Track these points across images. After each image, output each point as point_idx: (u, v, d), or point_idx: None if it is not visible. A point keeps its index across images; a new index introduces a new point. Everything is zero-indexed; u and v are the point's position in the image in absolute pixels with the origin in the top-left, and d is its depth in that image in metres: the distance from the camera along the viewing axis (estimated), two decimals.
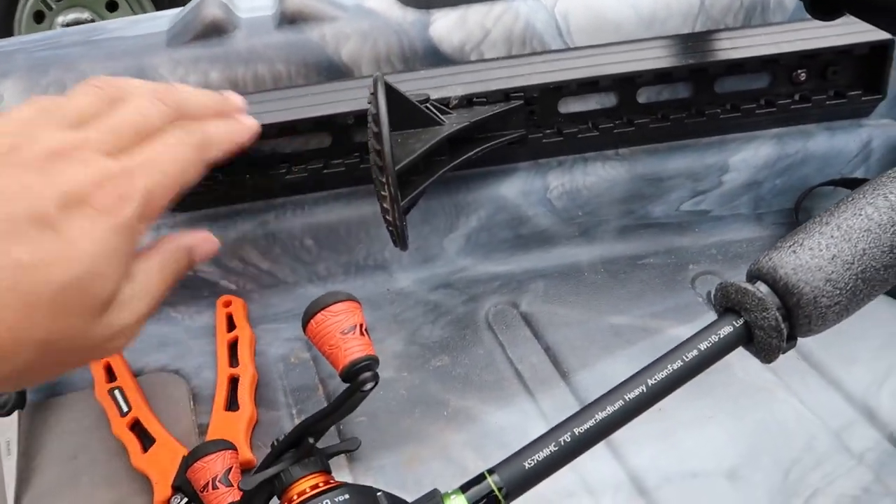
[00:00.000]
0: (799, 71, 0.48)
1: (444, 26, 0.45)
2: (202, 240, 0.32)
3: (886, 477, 0.36)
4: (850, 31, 0.46)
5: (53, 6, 1.98)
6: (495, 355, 0.44)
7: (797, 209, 0.50)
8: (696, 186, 0.50)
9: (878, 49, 0.47)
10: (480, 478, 0.27)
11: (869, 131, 0.50)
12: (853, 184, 0.49)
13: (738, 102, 0.48)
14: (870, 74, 0.48)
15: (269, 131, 0.44)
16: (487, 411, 0.41)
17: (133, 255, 0.27)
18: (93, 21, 2.10)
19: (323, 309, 0.30)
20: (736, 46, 0.46)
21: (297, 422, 0.41)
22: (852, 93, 0.48)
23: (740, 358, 0.43)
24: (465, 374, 0.43)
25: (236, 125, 0.33)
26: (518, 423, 0.40)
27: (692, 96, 0.48)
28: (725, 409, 0.40)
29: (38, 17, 1.94)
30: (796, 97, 0.48)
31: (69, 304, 0.24)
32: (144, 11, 2.15)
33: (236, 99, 0.34)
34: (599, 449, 0.38)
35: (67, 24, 2.02)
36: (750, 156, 0.50)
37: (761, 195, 0.51)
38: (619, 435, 0.38)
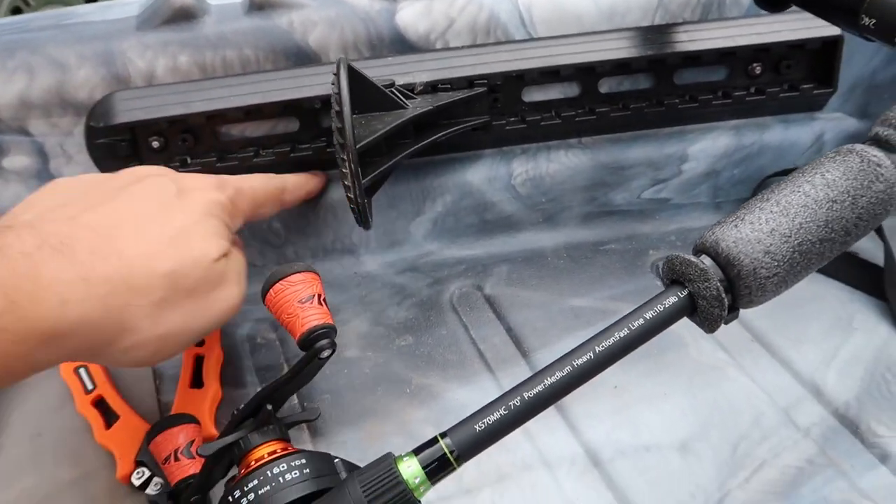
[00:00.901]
0: (754, 64, 0.49)
1: (410, 15, 0.46)
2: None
3: (830, 450, 0.38)
4: (803, 26, 0.48)
5: (32, 2, 1.96)
6: (458, 336, 0.45)
7: None
8: (657, 175, 0.51)
9: (830, 44, 0.49)
10: (433, 441, 0.28)
11: (822, 124, 0.52)
12: None
13: (696, 94, 0.49)
14: (822, 68, 0.50)
15: (237, 114, 0.45)
16: (449, 388, 0.42)
17: (231, 234, 0.37)
18: None
19: (282, 279, 0.31)
20: (693, 39, 0.47)
21: None
22: (805, 86, 0.50)
23: (695, 338, 0.45)
24: (429, 353, 0.44)
25: (310, 179, 0.46)
26: (479, 399, 0.40)
27: (652, 87, 0.49)
28: (679, 386, 0.42)
29: (16, 13, 1.92)
30: (752, 90, 0.50)
31: (185, 242, 0.33)
32: None
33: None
34: (556, 424, 0.40)
35: None
36: (708, 146, 0.51)
37: (719, 184, 0.52)
38: (576, 410, 0.40)
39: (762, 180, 0.52)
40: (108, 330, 0.30)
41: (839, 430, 0.39)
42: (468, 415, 0.29)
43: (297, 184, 0.44)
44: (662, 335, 0.30)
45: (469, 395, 0.41)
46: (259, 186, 0.41)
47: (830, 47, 0.49)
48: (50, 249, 0.28)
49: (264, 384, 0.43)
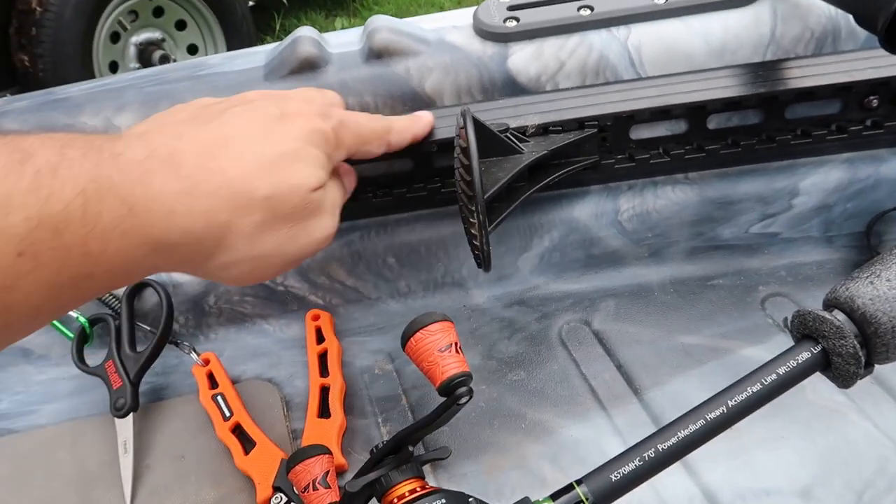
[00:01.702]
0: (871, 97, 0.48)
1: (522, 59, 0.47)
2: (347, 174, 0.43)
3: None
4: None
5: (128, 27, 2.10)
6: (569, 371, 0.46)
7: (868, 233, 0.51)
8: (766, 210, 0.51)
9: None
10: (569, 488, 0.29)
11: None
12: None
13: (808, 128, 0.49)
14: None
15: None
16: (563, 425, 0.43)
17: (331, 164, 0.37)
18: (163, 40, 2.22)
19: (422, 328, 0.33)
20: (806, 75, 0.47)
21: (382, 429, 0.44)
22: None
23: (811, 380, 0.44)
24: (541, 388, 0.45)
25: (416, 122, 0.44)
26: (593, 437, 0.42)
27: (762, 122, 0.49)
28: (797, 430, 0.41)
29: (114, 38, 2.05)
30: (868, 123, 0.49)
31: (286, 168, 0.33)
32: (210, 30, 2.26)
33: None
34: (674, 465, 0.40)
35: (140, 44, 2.14)
36: (820, 180, 0.50)
37: (832, 219, 0.51)
38: (693, 452, 0.40)
39: (879, 214, 0.51)
40: (208, 243, 0.32)
41: None
42: (592, 453, 0.30)
43: (403, 126, 0.43)
44: None
45: (583, 432, 0.42)
46: (364, 123, 0.40)
47: None
48: (158, 161, 0.30)
49: (385, 414, 0.45)
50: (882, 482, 0.38)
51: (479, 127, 0.40)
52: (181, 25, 2.23)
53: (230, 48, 2.24)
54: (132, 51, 2.13)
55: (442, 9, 2.87)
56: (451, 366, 0.32)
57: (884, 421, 0.41)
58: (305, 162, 0.35)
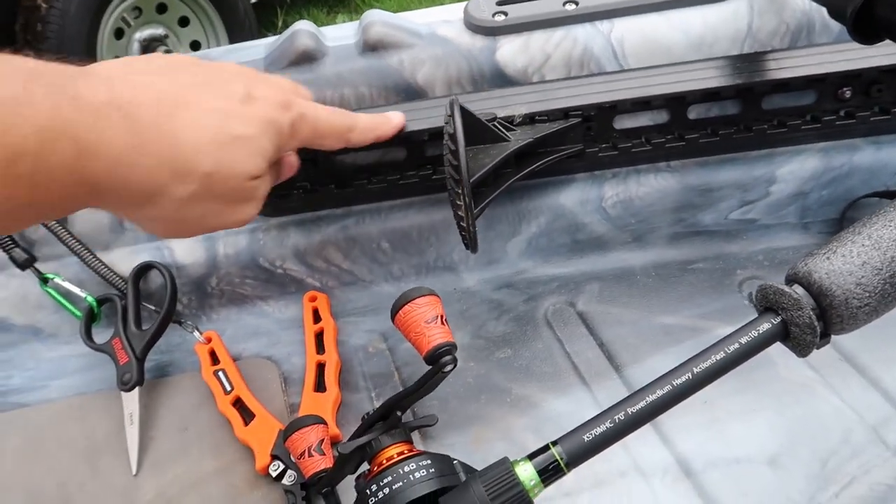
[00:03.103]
0: (844, 88, 0.50)
1: (509, 51, 0.50)
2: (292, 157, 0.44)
3: None
4: (895, 51, 0.49)
5: (132, 23, 2.12)
6: (553, 349, 0.48)
7: (842, 219, 0.53)
8: (745, 196, 0.53)
9: None
10: (545, 448, 0.32)
11: None
12: None
13: (784, 118, 0.51)
14: None
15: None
16: (546, 399, 0.45)
17: (277, 154, 0.38)
18: (166, 36, 2.24)
19: (410, 301, 0.35)
20: (782, 67, 0.49)
21: (375, 403, 0.47)
22: None
23: (783, 357, 0.46)
24: (527, 365, 0.47)
25: (382, 123, 0.45)
26: (574, 410, 0.45)
27: (740, 113, 0.51)
28: (769, 403, 0.44)
29: (119, 34, 2.08)
30: (841, 113, 0.51)
31: (235, 153, 0.35)
32: (213, 27, 2.28)
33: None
34: (650, 435, 0.43)
35: (144, 40, 2.16)
36: (797, 168, 0.53)
37: (808, 205, 0.54)
38: (669, 423, 0.43)
39: (852, 201, 0.53)
40: (141, 197, 0.34)
41: None
42: (575, 426, 0.32)
43: (367, 126, 0.44)
44: None
45: (566, 406, 0.45)
46: (324, 118, 0.41)
47: None
48: (115, 109, 0.31)
49: (378, 389, 0.48)
50: (846, 451, 0.40)
51: (467, 115, 0.42)
52: (184, 22, 2.25)
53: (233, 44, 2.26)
54: (136, 47, 2.15)
55: (442, 4, 2.88)
56: (436, 336, 0.34)
57: (850, 395, 0.43)
58: (253, 150, 0.36)
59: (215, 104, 0.35)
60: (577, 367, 0.47)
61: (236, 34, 2.27)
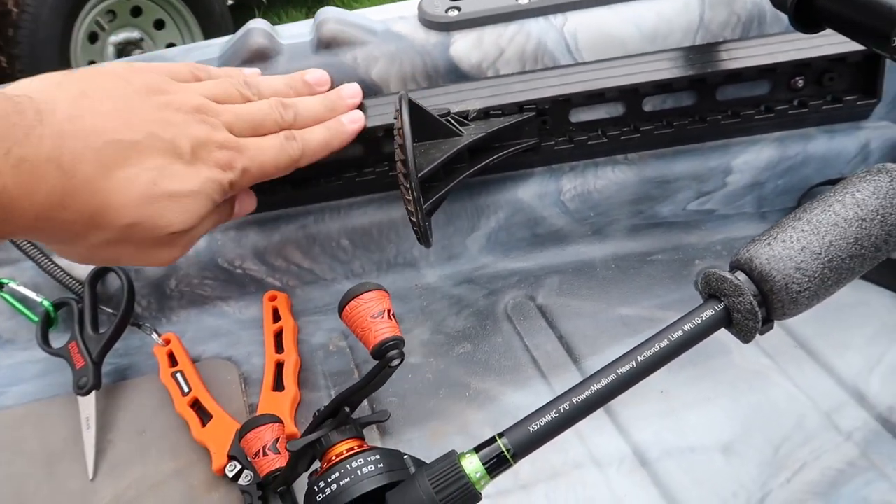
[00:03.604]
0: (796, 78, 0.51)
1: (463, 46, 0.50)
2: (245, 195, 0.44)
3: (872, 453, 0.40)
4: (845, 39, 0.49)
5: (106, 27, 2.10)
6: (513, 343, 0.48)
7: (798, 207, 0.53)
8: (702, 187, 0.54)
9: (872, 56, 0.50)
10: (492, 440, 0.32)
11: (867, 133, 0.53)
12: None
13: (738, 109, 0.51)
14: (865, 80, 0.51)
15: None
16: (505, 392, 0.45)
17: (210, 209, 0.39)
18: (141, 39, 2.22)
19: (356, 297, 0.35)
20: (734, 57, 0.49)
21: None
22: (849, 97, 0.51)
23: (738, 345, 0.47)
24: (486, 359, 0.47)
25: (335, 136, 0.45)
26: (533, 403, 0.44)
27: (695, 104, 0.51)
28: (724, 391, 0.44)
29: (92, 38, 2.06)
30: (795, 103, 0.51)
31: (163, 209, 0.35)
32: (189, 29, 2.26)
33: (349, 93, 0.47)
34: (606, 426, 0.43)
35: (119, 44, 2.14)
36: (752, 158, 0.53)
37: (764, 195, 0.54)
38: (625, 413, 0.43)
39: (808, 189, 0.53)
40: (54, 237, 0.35)
41: (881, 434, 0.40)
42: (523, 417, 0.33)
43: (319, 146, 0.44)
44: (707, 342, 0.33)
45: (524, 399, 0.45)
46: (270, 163, 0.41)
47: (873, 59, 0.50)
48: (56, 168, 0.31)
49: (338, 388, 0.47)
50: (799, 436, 0.41)
51: (416, 110, 0.42)
52: (160, 25, 2.23)
53: None
54: (110, 51, 2.13)
55: None
56: (382, 331, 0.34)
57: (804, 381, 0.44)
58: (183, 209, 0.36)
59: (157, 161, 0.35)
60: (536, 361, 0.47)
61: (212, 36, 2.24)
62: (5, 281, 0.51)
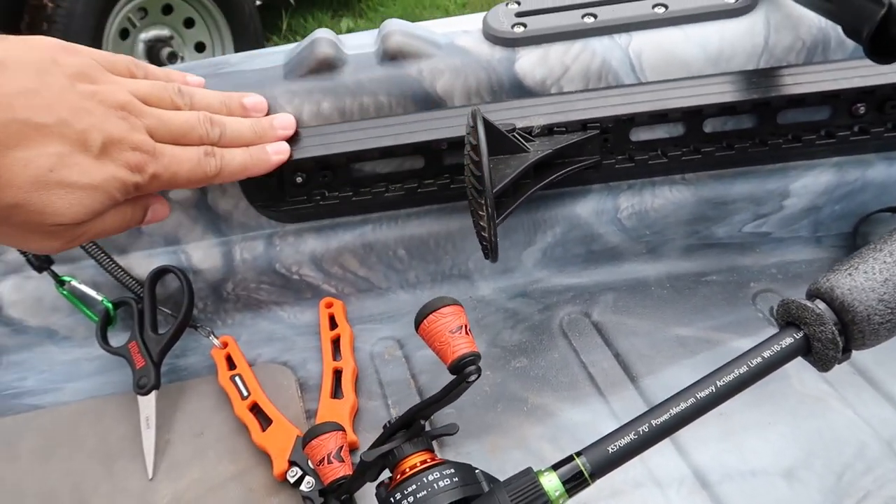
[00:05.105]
0: (858, 105, 0.51)
1: (528, 63, 0.50)
2: (158, 203, 0.43)
3: None
4: None
5: (137, 24, 2.12)
6: (569, 359, 0.49)
7: (855, 233, 0.53)
8: (758, 210, 0.54)
9: None
10: (569, 459, 0.32)
11: None
12: None
13: (799, 133, 0.51)
14: None
15: (372, 155, 0.50)
16: (563, 409, 0.45)
17: (108, 207, 0.37)
18: (171, 37, 2.24)
19: (435, 311, 0.35)
20: (798, 82, 0.49)
21: (392, 411, 0.47)
22: None
23: (797, 370, 0.47)
24: (543, 374, 0.48)
25: (256, 163, 0.44)
26: (590, 420, 0.45)
27: (755, 127, 0.52)
28: (783, 416, 0.44)
29: (124, 34, 2.08)
30: (855, 129, 0.51)
31: (53, 197, 0.34)
32: (218, 29, 2.28)
33: (281, 123, 0.47)
34: (666, 447, 0.43)
35: (149, 41, 2.16)
36: (810, 182, 0.53)
37: (821, 219, 0.54)
38: (685, 435, 0.43)
39: (865, 216, 0.53)
40: None
41: None
42: (591, 435, 0.33)
43: (237, 169, 0.43)
44: None
45: (582, 416, 0.45)
46: (184, 175, 0.40)
47: None
48: None
49: (394, 397, 0.48)
50: (860, 465, 0.41)
51: (489, 126, 0.43)
52: (189, 23, 2.25)
53: (237, 46, 2.27)
54: (141, 47, 2.15)
55: (447, 10, 2.89)
56: (461, 346, 0.35)
57: (864, 409, 0.44)
58: (75, 201, 0.35)
59: (60, 149, 0.34)
60: (592, 378, 0.47)
61: (241, 36, 2.27)
62: (66, 279, 0.52)
